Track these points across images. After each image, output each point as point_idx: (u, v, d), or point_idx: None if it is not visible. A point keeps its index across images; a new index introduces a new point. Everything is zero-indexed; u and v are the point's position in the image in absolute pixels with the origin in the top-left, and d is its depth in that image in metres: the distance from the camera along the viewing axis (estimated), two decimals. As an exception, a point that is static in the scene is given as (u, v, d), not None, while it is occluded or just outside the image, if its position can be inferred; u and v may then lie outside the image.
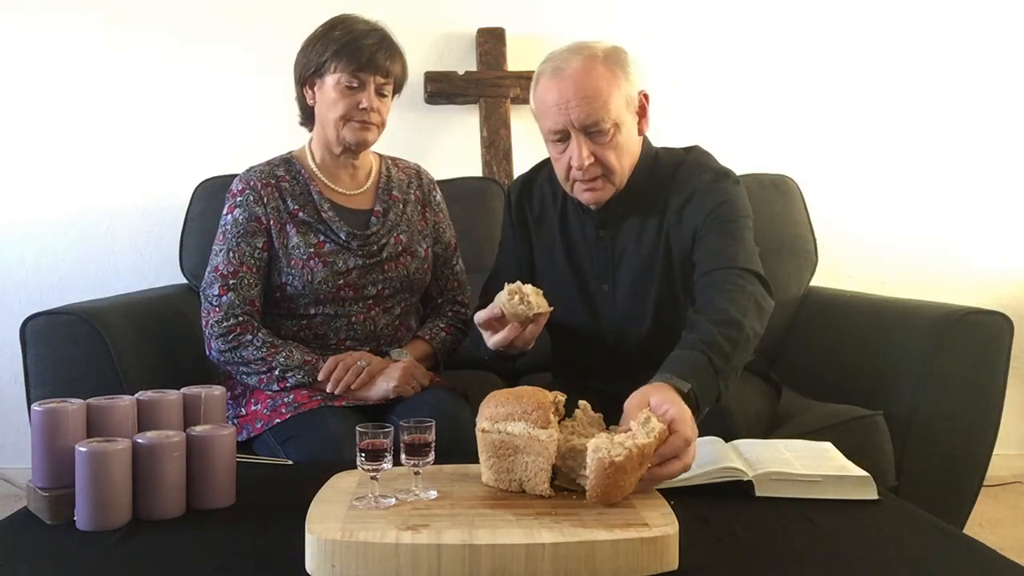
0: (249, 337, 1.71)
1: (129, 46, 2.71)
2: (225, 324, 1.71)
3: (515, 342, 1.49)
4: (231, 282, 1.73)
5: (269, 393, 1.71)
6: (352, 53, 1.72)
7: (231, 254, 1.75)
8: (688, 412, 1.20)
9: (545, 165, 1.78)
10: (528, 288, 1.45)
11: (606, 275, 1.70)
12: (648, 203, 1.66)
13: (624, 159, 1.60)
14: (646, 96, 1.63)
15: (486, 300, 1.59)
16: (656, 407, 1.19)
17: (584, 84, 1.53)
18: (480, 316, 1.51)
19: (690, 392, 1.26)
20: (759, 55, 2.80)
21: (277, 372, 1.70)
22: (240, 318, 1.72)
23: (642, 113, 1.62)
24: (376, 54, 1.73)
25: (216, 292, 1.73)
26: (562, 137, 1.58)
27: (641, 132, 1.65)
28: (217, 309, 1.72)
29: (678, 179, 1.65)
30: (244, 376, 1.73)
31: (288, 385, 1.70)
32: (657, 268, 1.65)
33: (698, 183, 1.63)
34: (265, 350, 1.70)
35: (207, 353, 1.75)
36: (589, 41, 1.59)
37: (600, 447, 1.08)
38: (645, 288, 1.66)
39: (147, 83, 2.72)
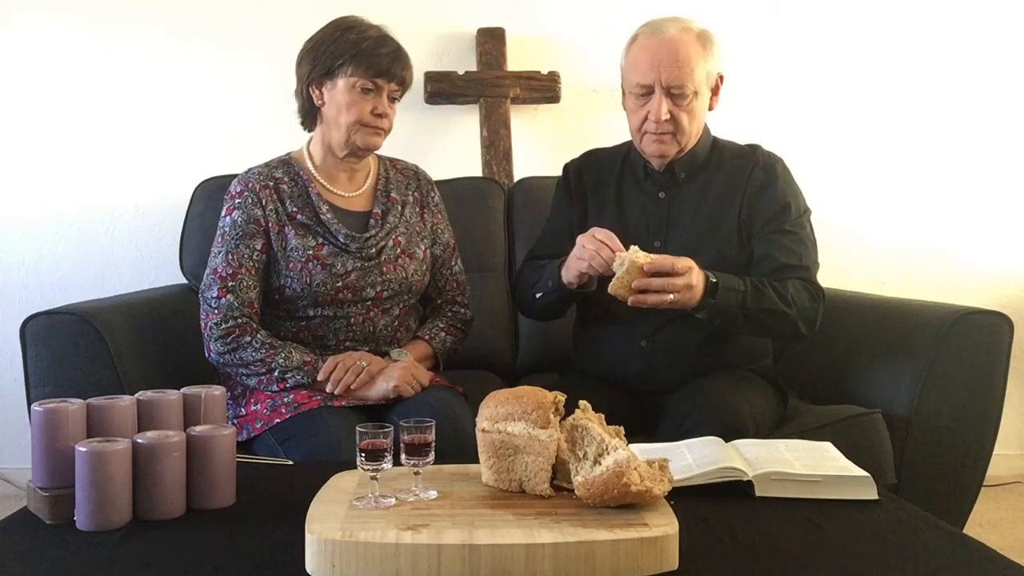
0: (248, 339, 1.71)
1: (129, 46, 2.71)
2: (224, 326, 1.71)
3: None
4: (230, 284, 1.73)
5: (269, 393, 1.71)
6: (372, 59, 1.73)
7: (230, 256, 1.75)
8: (695, 265, 1.58)
9: (600, 149, 1.99)
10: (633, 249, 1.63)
11: (660, 232, 1.83)
12: (711, 172, 1.85)
13: (693, 124, 1.79)
14: (722, 78, 1.82)
15: (546, 253, 1.87)
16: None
17: (677, 49, 1.73)
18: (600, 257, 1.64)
19: (714, 283, 1.61)
20: (758, 55, 2.80)
21: (276, 373, 1.70)
22: (239, 320, 1.72)
23: (715, 92, 1.82)
24: (394, 64, 1.76)
25: (215, 294, 1.73)
26: (646, 92, 1.76)
27: (711, 108, 1.84)
28: (216, 311, 1.72)
29: (760, 159, 1.84)
30: (244, 378, 1.73)
31: (288, 386, 1.70)
32: (714, 231, 1.80)
33: (781, 175, 1.82)
34: (264, 351, 1.70)
35: (206, 355, 1.75)
36: (685, 17, 1.80)
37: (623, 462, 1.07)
38: (698, 247, 1.75)
39: (147, 83, 2.72)
